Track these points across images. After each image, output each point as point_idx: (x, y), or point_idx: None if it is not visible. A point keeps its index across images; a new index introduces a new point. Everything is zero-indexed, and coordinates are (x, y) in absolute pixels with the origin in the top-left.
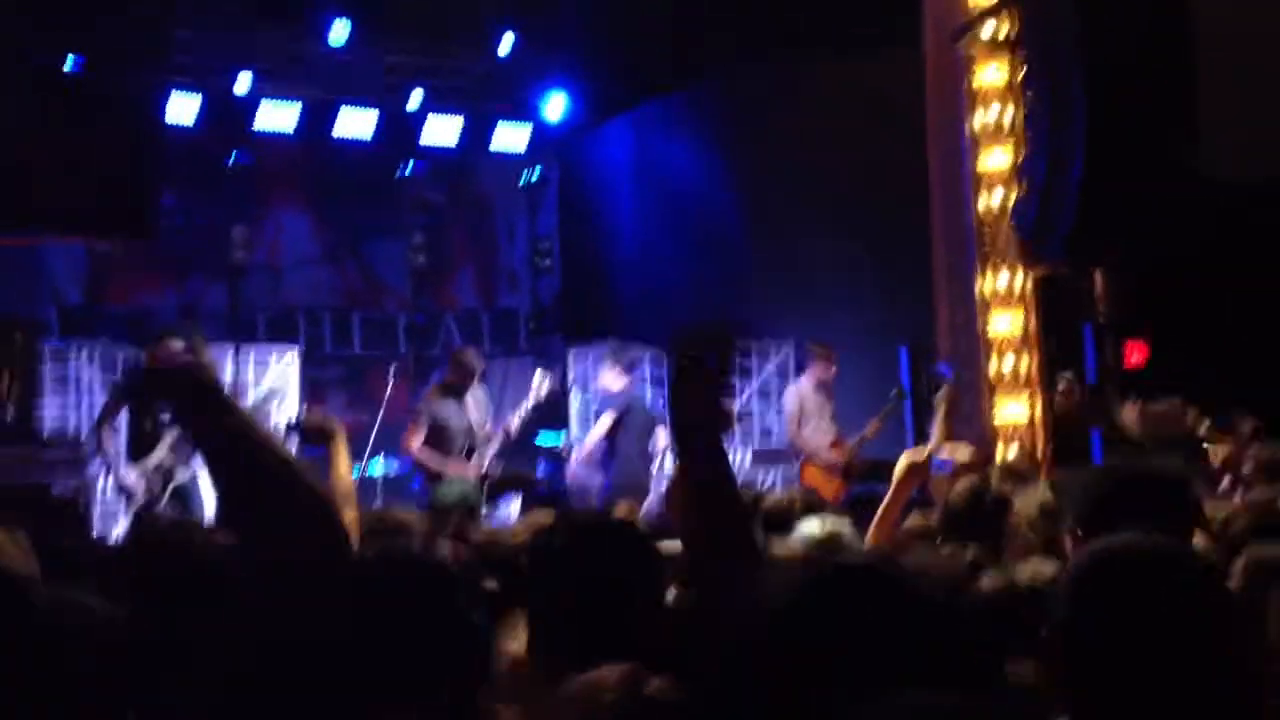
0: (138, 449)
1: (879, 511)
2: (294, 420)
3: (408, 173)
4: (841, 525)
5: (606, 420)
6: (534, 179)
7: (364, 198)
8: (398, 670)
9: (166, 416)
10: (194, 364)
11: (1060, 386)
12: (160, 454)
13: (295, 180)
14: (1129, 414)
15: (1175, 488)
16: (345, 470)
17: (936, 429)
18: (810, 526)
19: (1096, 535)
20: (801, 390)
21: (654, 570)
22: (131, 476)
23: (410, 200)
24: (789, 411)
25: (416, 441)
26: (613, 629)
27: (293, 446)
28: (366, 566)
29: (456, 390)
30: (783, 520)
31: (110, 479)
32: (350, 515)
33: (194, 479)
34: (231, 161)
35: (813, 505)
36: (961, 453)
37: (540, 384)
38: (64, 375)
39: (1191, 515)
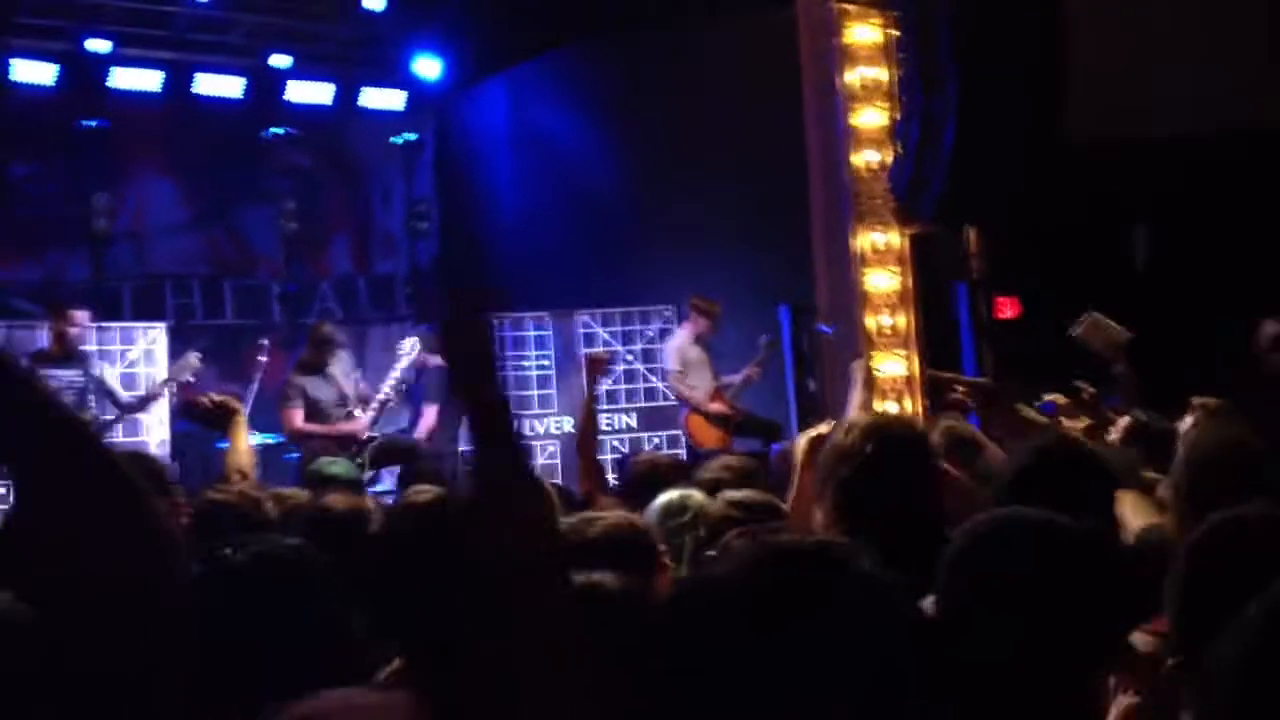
0: None
1: (791, 493)
2: (190, 407)
3: (277, 133)
4: (694, 493)
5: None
6: (409, 140)
7: (231, 161)
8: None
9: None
10: None
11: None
12: None
13: (158, 143)
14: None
15: (1097, 467)
16: (245, 447)
17: (855, 398)
18: (667, 496)
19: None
20: (681, 343)
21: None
22: None
23: (279, 164)
24: (671, 365)
25: (298, 419)
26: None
27: (189, 429)
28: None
29: (317, 366)
30: (650, 485)
31: None
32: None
33: None
34: (90, 125)
35: (675, 471)
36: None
37: (411, 349)
38: None
39: (1110, 494)
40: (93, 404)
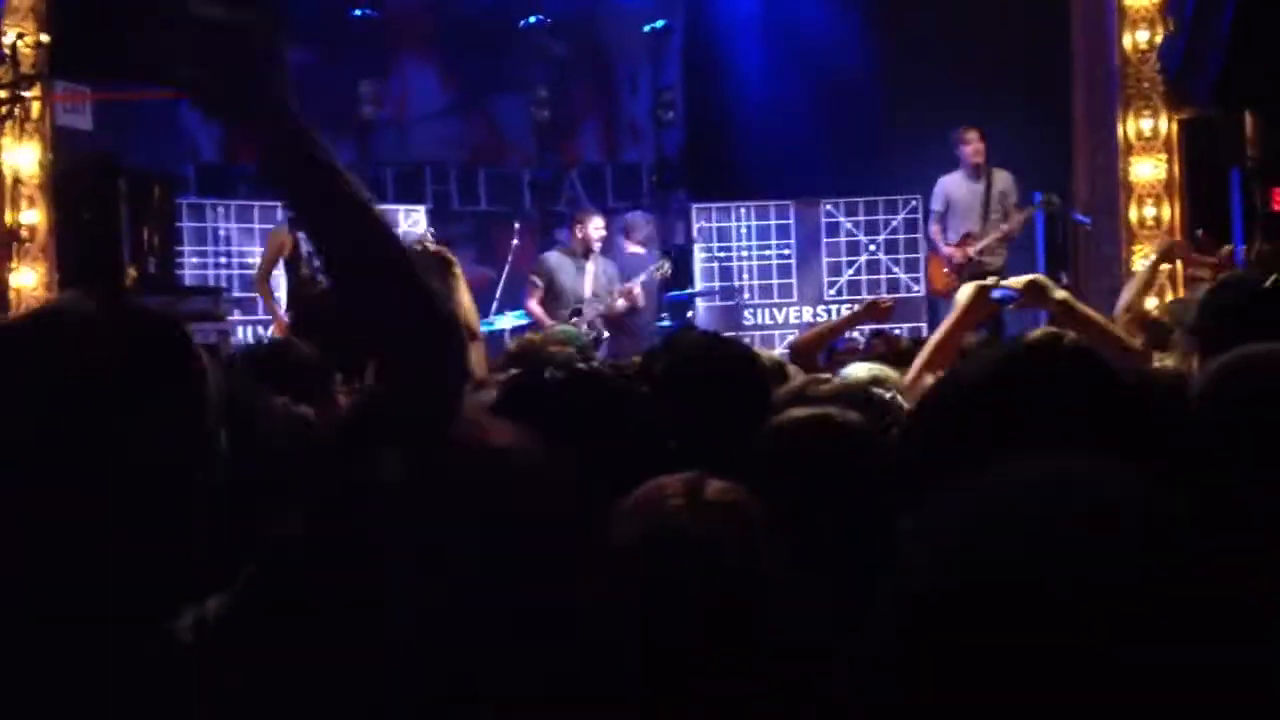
0: (294, 301)
1: (935, 337)
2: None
3: (533, 21)
4: (888, 372)
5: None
6: (658, 27)
7: (487, 49)
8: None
9: (319, 264)
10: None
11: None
12: None
13: (420, 33)
14: None
15: None
16: (467, 301)
17: (1139, 279)
18: (857, 370)
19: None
20: (947, 181)
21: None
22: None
23: (533, 52)
24: (934, 205)
25: (533, 300)
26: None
27: None
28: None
29: (575, 254)
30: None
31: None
32: (477, 351)
33: None
34: (360, 14)
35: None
36: (1019, 281)
37: (658, 269)
38: (201, 230)
39: None
40: None
